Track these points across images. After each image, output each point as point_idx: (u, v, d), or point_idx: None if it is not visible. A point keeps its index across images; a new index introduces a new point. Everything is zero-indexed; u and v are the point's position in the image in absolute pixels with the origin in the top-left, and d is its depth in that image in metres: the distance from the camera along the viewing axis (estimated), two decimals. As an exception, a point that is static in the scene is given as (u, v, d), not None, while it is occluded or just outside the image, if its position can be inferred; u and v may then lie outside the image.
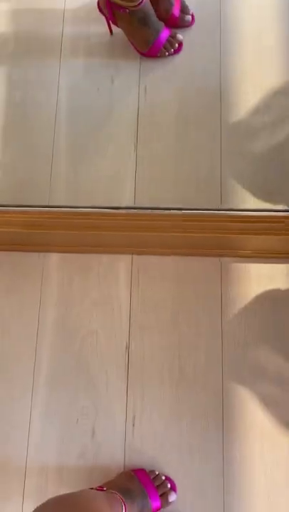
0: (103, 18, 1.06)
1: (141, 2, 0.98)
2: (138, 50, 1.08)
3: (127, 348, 0.96)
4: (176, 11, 1.07)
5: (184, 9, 1.08)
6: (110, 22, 1.06)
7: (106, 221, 0.92)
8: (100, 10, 1.05)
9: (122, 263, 1.00)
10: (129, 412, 0.93)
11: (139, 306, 0.98)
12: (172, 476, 0.89)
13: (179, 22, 1.07)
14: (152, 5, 1.03)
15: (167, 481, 0.87)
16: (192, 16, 1.09)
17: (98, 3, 1.04)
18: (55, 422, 0.93)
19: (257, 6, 1.12)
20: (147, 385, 0.94)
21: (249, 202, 1.00)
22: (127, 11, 1.00)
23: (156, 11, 1.04)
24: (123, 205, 0.99)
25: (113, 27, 1.08)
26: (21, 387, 0.94)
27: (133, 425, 0.92)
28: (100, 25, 1.10)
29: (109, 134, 1.06)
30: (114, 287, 0.99)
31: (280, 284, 0.98)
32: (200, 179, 1.01)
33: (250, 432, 0.91)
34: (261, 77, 1.07)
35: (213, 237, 0.93)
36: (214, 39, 1.09)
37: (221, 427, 0.91)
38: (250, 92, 1.06)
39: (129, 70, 1.09)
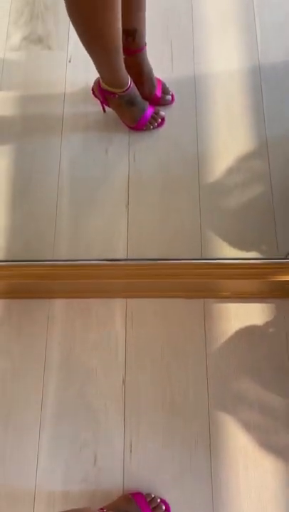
0: (97, 100, 1.15)
1: (128, 88, 1.06)
2: (127, 125, 1.16)
3: (124, 382, 0.99)
4: (158, 92, 1.16)
5: (165, 90, 1.18)
6: (103, 103, 1.14)
7: (103, 271, 0.98)
8: (94, 94, 1.13)
9: (118, 306, 1.04)
10: (126, 440, 0.96)
11: (134, 344, 1.02)
12: (166, 497, 0.93)
13: (161, 101, 1.17)
14: (137, 88, 1.12)
15: (162, 504, 0.92)
16: (172, 95, 1.18)
17: (92, 89, 1.14)
18: (60, 452, 0.96)
19: (226, 85, 1.21)
20: (142, 414, 0.98)
21: (226, 250, 1.05)
22: (116, 95, 1.07)
23: (141, 92, 1.13)
24: (118, 257, 1.04)
25: (106, 107, 1.15)
26: (30, 421, 0.98)
27: (130, 451, 0.95)
28: (94, 106, 1.19)
29: (104, 196, 1.11)
30: (111, 328, 1.03)
31: (256, 321, 1.04)
32: (183, 233, 1.07)
33: (235, 455, 0.95)
34: (232, 144, 1.15)
35: (196, 282, 0.99)
36: (191, 114, 1.18)
37: (209, 451, 0.95)
38: (223, 157, 1.14)
39: (120, 142, 1.16)
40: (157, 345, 1.03)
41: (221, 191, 1.11)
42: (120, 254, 1.06)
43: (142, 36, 1.04)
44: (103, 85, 1.08)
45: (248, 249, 1.07)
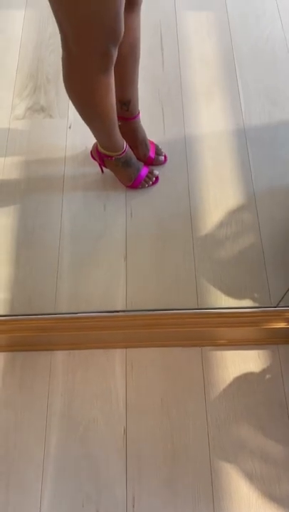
0: (95, 162, 1.20)
1: (123, 152, 1.10)
2: (124, 184, 1.20)
3: (125, 432, 0.98)
4: (151, 154, 1.21)
5: (158, 151, 1.23)
6: (101, 165, 1.18)
7: (103, 323, 0.99)
8: (93, 157, 1.19)
9: (118, 356, 1.04)
10: (129, 494, 0.94)
11: (134, 393, 1.01)
12: None
13: (154, 162, 1.22)
14: (133, 151, 1.16)
15: None
16: (164, 156, 1.23)
17: (91, 152, 1.19)
18: (62, 508, 0.93)
19: (215, 145, 1.26)
20: (144, 466, 0.96)
21: (221, 299, 1.06)
22: (113, 158, 1.11)
23: (136, 154, 1.17)
24: (117, 308, 1.05)
25: (103, 168, 1.19)
26: (32, 478, 0.96)
27: (133, 506, 0.93)
28: (93, 167, 1.23)
29: (103, 250, 1.13)
30: (111, 378, 1.03)
31: (253, 368, 1.04)
32: (179, 283, 1.08)
33: (239, 506, 0.93)
34: (222, 199, 1.19)
35: (194, 330, 1.00)
36: (183, 172, 1.23)
37: (212, 503, 0.93)
38: (214, 211, 1.18)
39: (117, 199, 1.19)
40: (157, 394, 1.03)
41: (214, 243, 1.15)
42: (119, 305, 1.07)
43: (136, 105, 1.11)
44: (100, 149, 1.12)
45: (241, 297, 1.08)
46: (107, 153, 1.11)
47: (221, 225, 1.17)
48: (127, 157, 1.14)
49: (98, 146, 1.12)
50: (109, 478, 0.96)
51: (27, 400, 1.03)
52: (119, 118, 1.07)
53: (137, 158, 1.19)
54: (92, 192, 1.22)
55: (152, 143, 1.25)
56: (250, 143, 1.28)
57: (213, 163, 1.26)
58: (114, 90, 0.91)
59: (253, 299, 1.08)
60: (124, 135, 1.11)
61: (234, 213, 1.18)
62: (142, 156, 1.20)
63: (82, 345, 1.06)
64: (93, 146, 1.18)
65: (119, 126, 1.06)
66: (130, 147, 1.15)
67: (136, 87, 1.08)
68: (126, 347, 1.06)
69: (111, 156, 1.12)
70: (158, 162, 1.23)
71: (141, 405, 1.02)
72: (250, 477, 0.96)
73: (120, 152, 1.11)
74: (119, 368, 1.05)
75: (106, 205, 1.20)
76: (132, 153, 1.17)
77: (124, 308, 1.06)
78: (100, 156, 1.15)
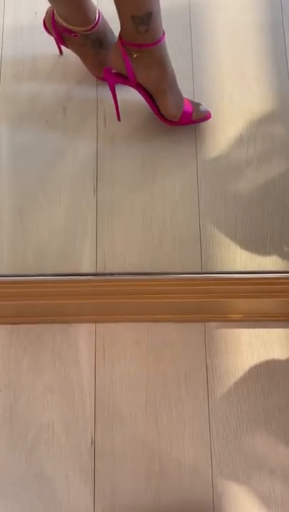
0: (51, 37, 1.06)
1: (94, 25, 0.98)
2: (94, 74, 1.08)
3: (93, 442, 0.94)
4: (187, 106, 1.04)
5: (193, 102, 1.06)
6: (59, 43, 1.05)
7: (60, 289, 0.93)
8: (46, 29, 1.05)
9: (83, 334, 0.99)
10: None
11: (106, 387, 0.97)
12: None
13: (194, 118, 1.05)
14: (157, 102, 1.01)
15: None
16: (208, 112, 1.06)
17: (44, 21, 1.04)
18: None
19: (233, 15, 1.18)
20: (119, 489, 0.93)
21: (235, 257, 1.01)
22: (78, 34, 0.99)
23: (164, 109, 1.02)
24: (82, 270, 0.99)
25: (63, 47, 1.07)
26: None
27: None
28: (47, 44, 1.11)
29: (62, 177, 1.07)
30: (73, 365, 0.98)
31: (277, 353, 0.99)
32: (175, 233, 1.04)
33: None
34: (241, 100, 1.12)
35: (194, 302, 0.94)
36: (185, 56, 1.13)
37: None
38: (229, 119, 1.10)
39: (84, 98, 1.12)
40: (140, 390, 0.97)
41: (228, 170, 1.08)
42: (86, 266, 1.02)
43: (159, 22, 0.91)
44: (58, 20, 1.02)
45: (265, 254, 1.01)
46: (70, 27, 1.02)
47: (240, 141, 1.09)
48: (100, 32, 1.03)
49: (55, 14, 1.03)
50: (70, 504, 0.91)
51: None
52: (134, 46, 0.92)
53: (163, 117, 1.05)
54: (45, 85, 1.14)
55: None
56: (287, 15, 1.19)
57: (231, 43, 1.17)
58: None
59: (282, 255, 1.01)
60: (143, 78, 0.97)
61: (259, 124, 1.11)
62: (172, 108, 1.03)
63: (30, 319, 0.99)
64: (47, 13, 1.07)
65: (134, 58, 0.94)
66: (152, 97, 1.01)
67: None
68: (95, 321, 0.99)
69: (75, 32, 1.02)
70: (200, 116, 1.06)
71: (117, 405, 0.97)
72: (267, 503, 0.92)
73: (90, 26, 1.01)
74: (85, 350, 0.99)
75: (66, 107, 1.12)
76: (107, 26, 1.03)
77: (94, 268, 0.99)
78: (58, 30, 1.05)
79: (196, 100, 1.10)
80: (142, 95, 1.00)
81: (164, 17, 1.14)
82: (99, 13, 0.99)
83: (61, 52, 1.10)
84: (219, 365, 0.98)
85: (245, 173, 1.07)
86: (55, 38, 1.05)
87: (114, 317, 0.98)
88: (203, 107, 1.06)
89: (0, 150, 1.07)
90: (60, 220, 1.03)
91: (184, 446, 0.94)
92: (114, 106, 1.04)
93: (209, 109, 1.06)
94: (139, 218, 1.03)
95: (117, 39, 0.96)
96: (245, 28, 1.17)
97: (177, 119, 1.04)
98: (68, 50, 1.09)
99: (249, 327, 1.00)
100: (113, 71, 0.97)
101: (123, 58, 0.94)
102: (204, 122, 1.08)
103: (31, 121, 1.09)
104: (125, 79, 0.97)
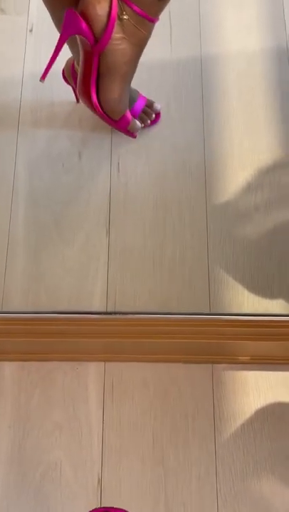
0: (69, 86, 1.13)
1: None
2: (109, 122, 1.09)
3: (100, 482, 0.94)
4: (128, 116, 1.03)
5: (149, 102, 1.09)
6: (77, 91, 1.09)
7: (73, 327, 0.95)
8: (65, 78, 1.11)
9: (92, 373, 1.00)
10: None
11: (114, 427, 0.97)
12: None
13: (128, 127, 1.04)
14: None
15: None
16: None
17: (63, 71, 1.10)
18: None
19: (242, 70, 1.22)
20: None
21: (243, 299, 1.03)
22: None
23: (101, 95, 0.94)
24: (93, 308, 1.01)
25: None
26: None
27: None
28: (65, 93, 1.16)
29: (76, 218, 1.09)
30: (82, 403, 0.98)
31: (284, 396, 1.00)
32: (184, 275, 1.05)
33: None
34: (250, 150, 1.14)
35: (202, 343, 0.96)
36: (195, 108, 1.17)
37: None
38: (238, 167, 1.13)
39: (98, 144, 1.14)
40: (147, 430, 0.97)
41: (237, 216, 1.10)
42: (97, 304, 1.03)
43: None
44: (78, 69, 1.02)
45: (272, 297, 1.04)
46: None
47: (249, 188, 1.12)
48: None
49: (75, 63, 1.04)
50: None
51: None
52: (133, 6, 0.80)
53: (101, 106, 0.97)
54: (62, 131, 1.17)
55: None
56: None
57: (240, 96, 1.20)
58: None
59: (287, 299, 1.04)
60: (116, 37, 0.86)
61: (268, 172, 1.13)
62: (111, 104, 0.98)
63: (41, 356, 1.01)
64: (67, 63, 1.10)
65: (121, 19, 0.81)
66: (96, 72, 0.90)
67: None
68: (105, 360, 1.01)
69: None
70: (132, 130, 1.07)
71: (124, 444, 0.96)
72: None
73: None
74: (94, 389, 1.00)
75: (82, 152, 1.14)
76: None
77: (104, 308, 1.02)
78: (77, 77, 1.04)
79: (207, 152, 1.14)
80: (91, 65, 0.85)
81: (176, 67, 1.22)
82: None
83: (78, 100, 1.14)
84: (226, 407, 0.99)
85: (253, 218, 1.10)
86: (73, 88, 1.10)
87: (124, 356, 1.00)
88: (138, 125, 1.06)
89: (17, 190, 1.11)
90: (73, 260, 1.06)
91: (191, 488, 0.94)
92: (48, 63, 0.90)
93: (136, 133, 1.07)
94: (150, 259, 1.07)
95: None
96: (254, 78, 1.22)
97: (114, 117, 0.97)
98: None
99: (256, 369, 1.01)
100: (80, 17, 0.79)
101: (110, 11, 0.79)
102: (216, 171, 1.12)
103: (47, 164, 1.13)
104: (91, 34, 0.80)
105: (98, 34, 0.79)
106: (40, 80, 0.91)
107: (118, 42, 0.83)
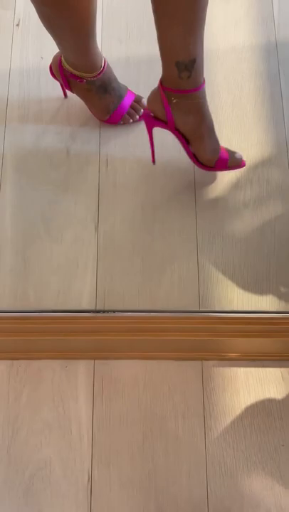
0: (57, 81, 1.11)
1: (100, 72, 1.03)
2: (98, 118, 1.13)
3: (90, 480, 0.94)
4: (223, 153, 1.05)
5: (229, 150, 1.07)
6: (64, 87, 1.11)
7: (62, 325, 0.95)
8: (53, 74, 1.10)
9: (82, 371, 1.00)
10: None
11: (104, 425, 0.98)
12: None
13: (230, 164, 1.06)
14: (195, 148, 1.02)
15: None
16: (242, 161, 1.07)
17: (50, 67, 1.09)
18: None
19: (233, 68, 1.21)
20: None
21: (233, 296, 1.03)
22: (84, 81, 1.04)
23: (202, 153, 1.02)
24: (82, 306, 1.01)
25: (68, 91, 1.12)
26: None
27: None
28: (53, 88, 1.16)
29: (65, 215, 1.09)
30: (71, 402, 0.99)
31: (273, 392, 1.00)
32: (174, 272, 1.06)
33: None
34: (240, 147, 1.13)
35: (192, 340, 0.96)
36: None
37: None
38: None
39: (87, 140, 1.15)
40: (137, 427, 0.98)
41: (226, 212, 1.11)
42: (85, 302, 1.03)
43: (202, 68, 0.92)
44: (66, 66, 1.06)
45: (262, 294, 1.04)
46: (76, 73, 1.05)
47: (238, 185, 1.12)
48: (105, 79, 1.07)
49: (62, 60, 1.05)
50: None
51: None
52: (174, 91, 0.94)
53: (198, 161, 1.06)
54: (50, 127, 1.17)
55: None
56: (283, 67, 1.23)
57: (229, 92, 1.21)
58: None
59: (279, 297, 1.04)
60: (179, 120, 0.99)
61: (257, 169, 1.14)
62: (210, 153, 1.04)
63: (29, 354, 1.01)
64: (54, 59, 1.10)
65: (173, 103, 0.96)
66: (187, 142, 1.02)
67: (201, 34, 0.88)
68: (94, 358, 1.01)
69: (81, 78, 1.05)
70: (236, 162, 1.07)
71: (113, 442, 0.97)
72: None
73: (96, 73, 1.05)
74: (83, 387, 1.00)
75: (70, 148, 1.15)
76: (112, 72, 1.08)
77: (94, 305, 1.01)
78: (65, 75, 1.08)
79: None
80: (179, 139, 1.01)
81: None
82: (104, 61, 1.05)
83: (66, 95, 1.15)
84: (216, 403, 1.00)
85: (242, 215, 1.10)
86: (60, 83, 1.11)
87: (113, 354, 1.00)
88: (238, 154, 1.07)
89: (4, 188, 1.10)
90: (61, 257, 1.06)
91: (181, 485, 0.95)
92: (150, 149, 1.07)
93: (243, 158, 1.07)
94: (139, 257, 1.06)
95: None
96: (243, 76, 1.22)
97: (212, 164, 1.05)
98: (72, 93, 1.13)
99: (246, 366, 1.02)
100: (152, 115, 0.99)
101: (163, 103, 0.96)
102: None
103: (35, 161, 1.13)
104: (163, 123, 0.99)
105: (164, 118, 0.99)
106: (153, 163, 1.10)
107: (182, 116, 0.97)
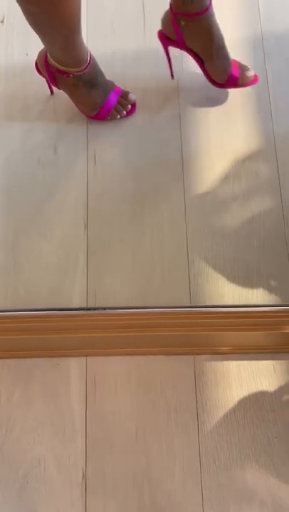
0: (42, 78, 1.11)
1: (87, 66, 1.03)
2: (85, 114, 1.13)
3: (84, 476, 0.94)
4: (235, 71, 1.11)
5: (242, 65, 1.13)
6: (50, 83, 1.10)
7: (53, 324, 0.95)
8: (38, 70, 1.10)
9: (74, 368, 1.01)
10: None
11: (97, 421, 0.98)
12: None
13: (239, 82, 1.12)
14: (206, 66, 1.10)
15: None
16: (255, 75, 1.13)
17: (36, 63, 1.09)
18: None
19: None
20: None
21: (223, 290, 1.03)
22: (71, 76, 1.04)
23: (212, 72, 1.10)
24: (73, 304, 1.01)
25: (54, 87, 1.12)
26: None
27: None
28: (38, 85, 1.15)
29: (54, 213, 1.09)
30: (64, 399, 0.99)
31: (266, 385, 1.00)
32: (164, 268, 1.06)
33: None
34: (228, 141, 1.15)
35: (184, 335, 0.97)
36: (172, 98, 1.17)
37: None
38: (216, 158, 1.13)
39: (74, 137, 1.15)
40: (130, 423, 0.98)
41: (215, 206, 1.11)
42: (76, 299, 1.04)
43: None
44: (51, 61, 1.06)
45: (252, 287, 1.04)
46: (62, 68, 1.05)
47: (226, 179, 1.13)
48: (92, 74, 1.08)
49: (48, 56, 1.05)
50: None
51: None
52: (182, 15, 1.03)
53: (211, 79, 1.13)
54: (37, 124, 1.17)
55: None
56: (270, 60, 1.24)
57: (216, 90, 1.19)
58: None
59: (269, 289, 1.04)
60: (191, 43, 1.09)
61: (245, 163, 1.14)
62: (220, 72, 1.12)
63: (20, 353, 1.01)
64: (40, 55, 1.10)
65: (182, 25, 1.04)
66: (199, 61, 1.10)
67: None
68: (86, 355, 1.02)
69: (68, 73, 1.06)
70: (245, 81, 1.14)
71: (107, 438, 0.98)
72: (258, 537, 0.93)
73: (82, 67, 1.05)
74: (76, 384, 1.01)
75: (57, 145, 1.15)
76: (98, 67, 1.08)
77: (85, 303, 1.02)
78: (51, 70, 1.08)
79: (183, 139, 1.14)
80: (194, 58, 1.11)
81: (151, 57, 1.21)
82: (90, 55, 1.05)
83: (52, 92, 1.14)
84: (209, 397, 1.00)
85: (231, 208, 1.10)
86: (46, 80, 1.10)
87: (105, 351, 1.00)
88: (250, 72, 1.13)
89: None
90: (51, 255, 1.06)
91: (175, 479, 0.95)
92: (168, 65, 1.16)
93: (256, 74, 1.14)
94: (129, 253, 1.07)
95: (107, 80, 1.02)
96: None
97: (224, 81, 1.13)
98: (59, 90, 1.13)
99: (238, 359, 1.02)
100: (165, 35, 1.09)
101: (173, 26, 1.06)
102: (193, 162, 1.12)
103: (23, 159, 1.13)
104: (175, 43, 1.09)
105: (175, 38, 1.09)
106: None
107: (192, 37, 1.07)
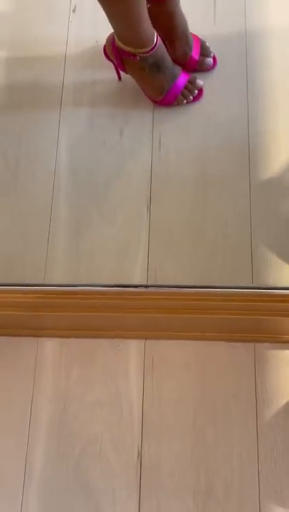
0: (111, 63, 1.15)
1: (153, 47, 1.05)
2: (151, 99, 1.15)
3: (139, 456, 0.96)
4: (195, 54, 1.15)
5: (204, 51, 1.17)
6: (118, 68, 1.14)
7: (113, 301, 0.96)
8: (107, 56, 1.14)
9: (133, 350, 1.02)
10: None
11: (154, 404, 0.99)
12: None
13: (199, 65, 1.16)
14: (167, 47, 1.11)
15: None
16: (214, 58, 1.17)
17: (104, 49, 1.13)
18: None
19: (287, 48, 1.20)
20: (165, 506, 0.93)
21: (288, 276, 1.02)
22: (137, 57, 1.07)
23: (171, 53, 1.12)
24: (134, 282, 1.03)
25: (122, 73, 1.15)
26: (7, 509, 0.94)
27: None
28: (107, 71, 1.19)
29: (117, 196, 1.12)
30: (122, 380, 1.01)
31: None
32: (227, 250, 1.07)
33: None
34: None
35: (245, 319, 0.96)
36: (239, 83, 1.18)
37: None
38: (283, 143, 1.12)
39: (140, 122, 1.17)
40: (188, 408, 0.99)
41: (281, 191, 1.10)
42: (137, 277, 1.05)
43: None
44: (119, 44, 1.08)
45: None
46: (129, 49, 1.07)
47: None
48: (158, 56, 1.09)
49: (116, 38, 1.08)
50: (115, 521, 0.94)
51: (2, 403, 1.02)
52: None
53: (174, 61, 1.13)
54: (104, 109, 1.20)
55: (196, 38, 1.19)
56: (250, 52, 1.22)
57: (286, 71, 1.20)
58: None
59: None
60: (154, 22, 1.06)
61: None
62: (180, 56, 1.16)
63: (81, 332, 1.03)
64: (108, 40, 1.14)
65: (148, 10, 1.01)
66: (164, 42, 1.10)
67: None
68: (145, 337, 1.03)
69: (134, 55, 1.08)
70: (204, 66, 1.18)
71: (164, 420, 0.99)
72: (316, 530, 0.91)
73: (148, 48, 1.06)
74: (134, 365, 1.02)
75: (123, 130, 1.18)
76: (165, 51, 1.11)
77: (145, 282, 1.04)
78: (118, 54, 1.11)
79: (251, 128, 1.15)
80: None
81: (220, 42, 1.23)
82: (157, 37, 1.07)
83: (120, 78, 1.17)
84: (269, 386, 0.99)
85: None
86: (114, 64, 1.13)
87: (164, 333, 1.02)
88: (209, 59, 1.18)
89: (59, 170, 1.14)
90: (113, 238, 1.09)
91: (232, 467, 0.95)
92: (113, 66, 1.15)
93: (216, 58, 1.18)
94: (191, 235, 1.08)
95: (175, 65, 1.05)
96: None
97: (185, 62, 1.16)
98: (126, 76, 1.16)
99: None
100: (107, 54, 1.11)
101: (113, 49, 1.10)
102: (259, 147, 1.12)
103: (89, 143, 1.16)
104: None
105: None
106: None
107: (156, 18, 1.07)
